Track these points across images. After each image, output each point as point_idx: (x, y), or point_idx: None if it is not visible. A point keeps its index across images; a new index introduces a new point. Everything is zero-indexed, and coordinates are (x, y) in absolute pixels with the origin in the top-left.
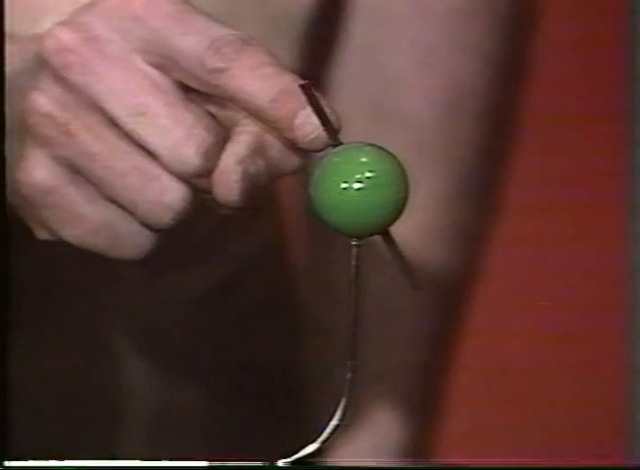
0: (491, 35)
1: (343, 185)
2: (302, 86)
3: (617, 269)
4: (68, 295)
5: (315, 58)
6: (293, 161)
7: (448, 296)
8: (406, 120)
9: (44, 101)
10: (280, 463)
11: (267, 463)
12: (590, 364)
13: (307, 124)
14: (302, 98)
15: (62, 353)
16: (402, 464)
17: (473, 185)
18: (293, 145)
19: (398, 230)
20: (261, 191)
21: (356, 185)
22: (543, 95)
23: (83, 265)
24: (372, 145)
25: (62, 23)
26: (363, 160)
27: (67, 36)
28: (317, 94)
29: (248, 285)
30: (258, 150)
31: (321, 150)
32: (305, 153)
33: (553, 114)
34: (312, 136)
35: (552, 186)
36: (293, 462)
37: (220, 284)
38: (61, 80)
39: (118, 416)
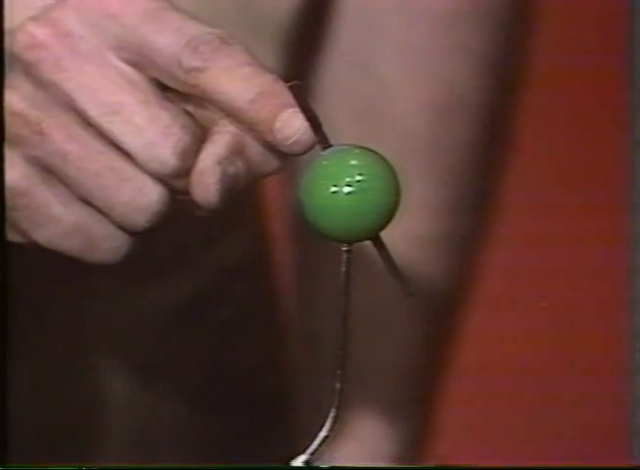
0: (487, 38)
1: (333, 189)
2: (291, 87)
3: (617, 269)
4: (52, 306)
5: (302, 61)
6: (273, 161)
7: (442, 301)
8: (397, 125)
9: (15, 99)
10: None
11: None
12: (590, 364)
13: (288, 127)
14: (283, 100)
15: (44, 368)
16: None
17: (468, 190)
18: (273, 146)
19: (391, 237)
20: (241, 192)
21: (346, 189)
22: (541, 94)
23: (63, 277)
24: (362, 147)
25: (34, 18)
26: (353, 162)
27: (39, 31)
28: (306, 96)
29: (232, 294)
30: (238, 150)
31: (302, 154)
32: (286, 154)
33: (552, 113)
34: (293, 139)
35: (552, 186)
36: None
37: (204, 293)
38: (32, 77)
39: (100, 429)
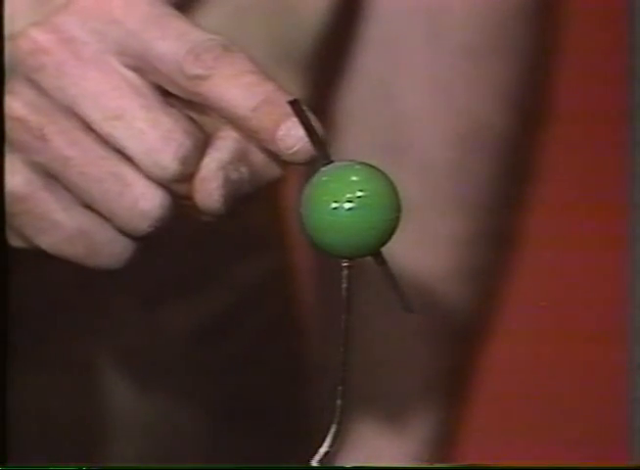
0: (509, 72)
1: (334, 205)
2: (292, 103)
3: (617, 269)
4: (63, 317)
5: (325, 91)
6: (276, 168)
7: (464, 328)
8: (419, 158)
9: (17, 105)
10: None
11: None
12: (591, 364)
13: (290, 137)
14: (285, 108)
15: (54, 376)
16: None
17: (490, 222)
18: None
19: (412, 273)
20: (243, 198)
21: (347, 205)
22: (541, 95)
23: (79, 292)
24: (363, 163)
25: (36, 24)
26: (354, 178)
27: (41, 37)
28: (307, 111)
29: (250, 316)
30: (241, 156)
31: (304, 164)
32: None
33: (553, 112)
34: (295, 149)
35: (552, 186)
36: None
37: (222, 315)
38: (35, 83)
39: (104, 436)
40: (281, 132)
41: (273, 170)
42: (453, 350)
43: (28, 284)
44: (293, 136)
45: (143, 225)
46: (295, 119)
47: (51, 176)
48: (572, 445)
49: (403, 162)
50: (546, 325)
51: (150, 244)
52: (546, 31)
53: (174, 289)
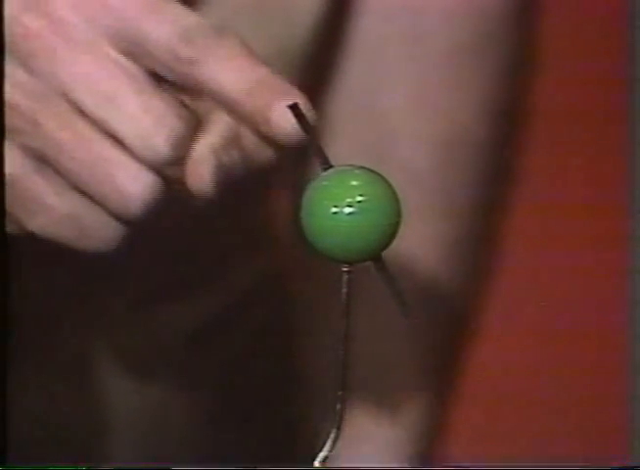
0: (493, 78)
1: (334, 209)
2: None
3: (617, 269)
4: (63, 317)
5: (309, 96)
6: (268, 152)
7: (453, 326)
8: (403, 163)
9: (9, 89)
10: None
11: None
12: (590, 365)
13: (283, 119)
14: (278, 90)
15: (53, 376)
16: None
17: (474, 225)
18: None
19: (401, 277)
20: (235, 182)
21: (347, 209)
22: (542, 95)
23: (78, 293)
24: (363, 168)
25: (27, 8)
26: (354, 183)
27: (33, 22)
28: (306, 114)
29: (244, 318)
30: (233, 140)
31: (297, 145)
32: (281, 145)
33: (553, 112)
34: (289, 130)
35: (552, 186)
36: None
37: (218, 316)
38: (27, 68)
39: (103, 435)
40: (274, 114)
41: (265, 154)
42: (448, 350)
43: (28, 284)
44: (286, 118)
45: (134, 209)
46: (287, 102)
47: (43, 160)
48: (572, 444)
49: (387, 164)
50: (546, 325)
51: (148, 245)
52: (535, 32)
53: (171, 290)
